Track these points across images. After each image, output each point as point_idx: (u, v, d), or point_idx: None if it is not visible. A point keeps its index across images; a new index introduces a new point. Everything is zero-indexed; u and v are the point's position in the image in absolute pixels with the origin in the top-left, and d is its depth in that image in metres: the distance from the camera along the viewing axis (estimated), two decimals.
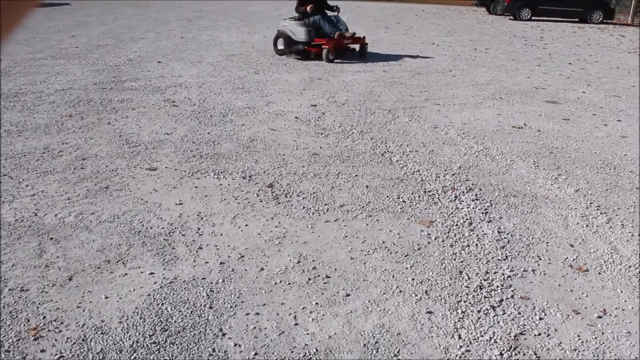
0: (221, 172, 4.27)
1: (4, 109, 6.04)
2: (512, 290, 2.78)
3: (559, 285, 2.84)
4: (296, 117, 5.89)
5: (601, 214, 3.68)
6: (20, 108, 6.07)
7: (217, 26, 15.82)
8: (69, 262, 2.96)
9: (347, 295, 2.71)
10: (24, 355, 2.26)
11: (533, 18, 22.41)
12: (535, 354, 2.32)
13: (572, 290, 2.79)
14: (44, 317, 2.50)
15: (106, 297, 2.66)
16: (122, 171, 4.27)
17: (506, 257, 3.10)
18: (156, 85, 7.39)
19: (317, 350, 2.31)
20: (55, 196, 3.79)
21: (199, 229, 3.36)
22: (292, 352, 2.30)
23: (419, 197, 3.89)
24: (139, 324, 2.46)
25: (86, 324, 2.46)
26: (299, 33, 9.67)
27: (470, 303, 2.66)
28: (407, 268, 2.96)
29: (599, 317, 2.58)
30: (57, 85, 7.28)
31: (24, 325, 2.45)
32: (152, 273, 2.87)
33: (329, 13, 10.06)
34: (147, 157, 4.60)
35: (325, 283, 2.81)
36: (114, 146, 4.86)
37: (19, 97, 6.54)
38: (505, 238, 3.32)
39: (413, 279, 2.85)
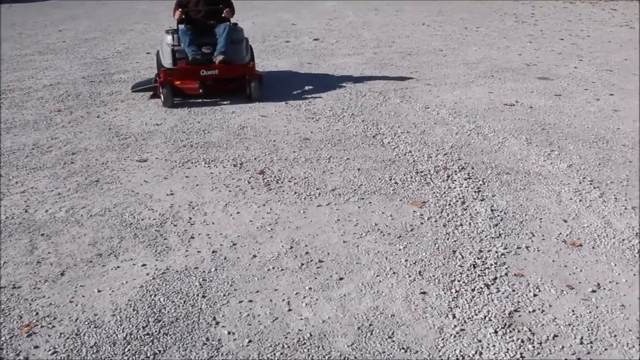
0: (212, 161, 4.24)
1: None
2: (506, 268, 2.77)
3: (553, 261, 2.83)
4: (286, 103, 5.85)
5: (594, 188, 3.66)
6: (8, 105, 6.02)
7: None
8: (60, 258, 2.94)
9: (341, 278, 2.70)
10: (17, 352, 2.25)
11: None
12: (530, 330, 2.31)
13: (566, 266, 2.79)
14: (37, 314, 2.49)
15: (99, 291, 2.64)
16: (112, 164, 4.24)
17: (500, 234, 3.09)
18: (145, 76, 7.32)
19: (311, 335, 2.30)
20: (46, 192, 3.76)
21: (190, 218, 3.34)
22: (286, 337, 2.29)
23: (411, 178, 3.87)
24: (132, 316, 2.45)
25: (79, 318, 2.45)
26: (165, 55, 6.11)
27: (464, 282, 2.65)
28: (400, 249, 2.95)
29: (593, 291, 2.58)
30: (45, 80, 7.22)
31: (17, 322, 2.43)
32: (144, 265, 2.85)
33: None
34: (137, 148, 4.57)
35: (318, 267, 2.80)
36: (103, 139, 4.82)
37: (6, 94, 6.48)
38: (498, 216, 3.31)
39: (406, 260, 2.84)
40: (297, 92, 6.33)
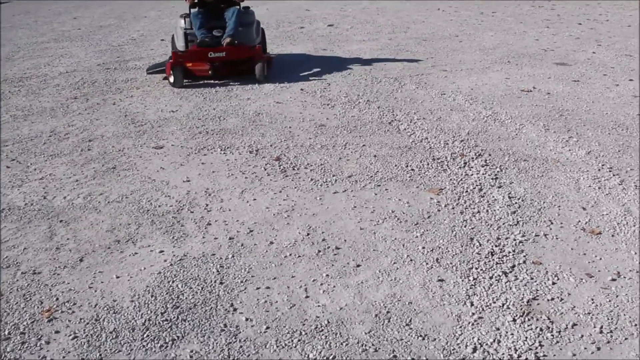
0: (228, 148, 4.25)
1: (9, 94, 6.03)
2: (524, 256, 2.75)
3: (572, 249, 2.81)
4: (302, 89, 5.84)
5: (613, 175, 3.62)
6: (25, 92, 6.06)
7: None
8: (79, 244, 2.97)
9: (358, 265, 2.70)
10: (39, 336, 2.27)
11: None
12: (549, 318, 2.30)
13: (585, 254, 2.76)
14: (57, 299, 2.51)
15: (117, 277, 2.67)
16: (129, 151, 4.26)
17: (517, 222, 3.07)
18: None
19: (328, 322, 2.31)
20: (64, 179, 3.79)
21: (207, 205, 3.35)
22: (304, 324, 2.30)
23: (428, 164, 3.85)
24: (151, 302, 2.47)
25: (98, 304, 2.47)
26: (178, 38, 6.36)
27: (482, 270, 2.64)
28: (417, 237, 2.94)
29: (613, 279, 2.55)
30: (61, 68, 7.25)
31: (38, 307, 2.46)
32: (162, 251, 2.87)
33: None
34: (154, 135, 4.59)
35: (335, 254, 2.80)
36: (119, 126, 4.84)
37: (23, 82, 6.52)
38: (516, 203, 3.28)
39: (424, 248, 2.83)
40: (312, 79, 6.31)
